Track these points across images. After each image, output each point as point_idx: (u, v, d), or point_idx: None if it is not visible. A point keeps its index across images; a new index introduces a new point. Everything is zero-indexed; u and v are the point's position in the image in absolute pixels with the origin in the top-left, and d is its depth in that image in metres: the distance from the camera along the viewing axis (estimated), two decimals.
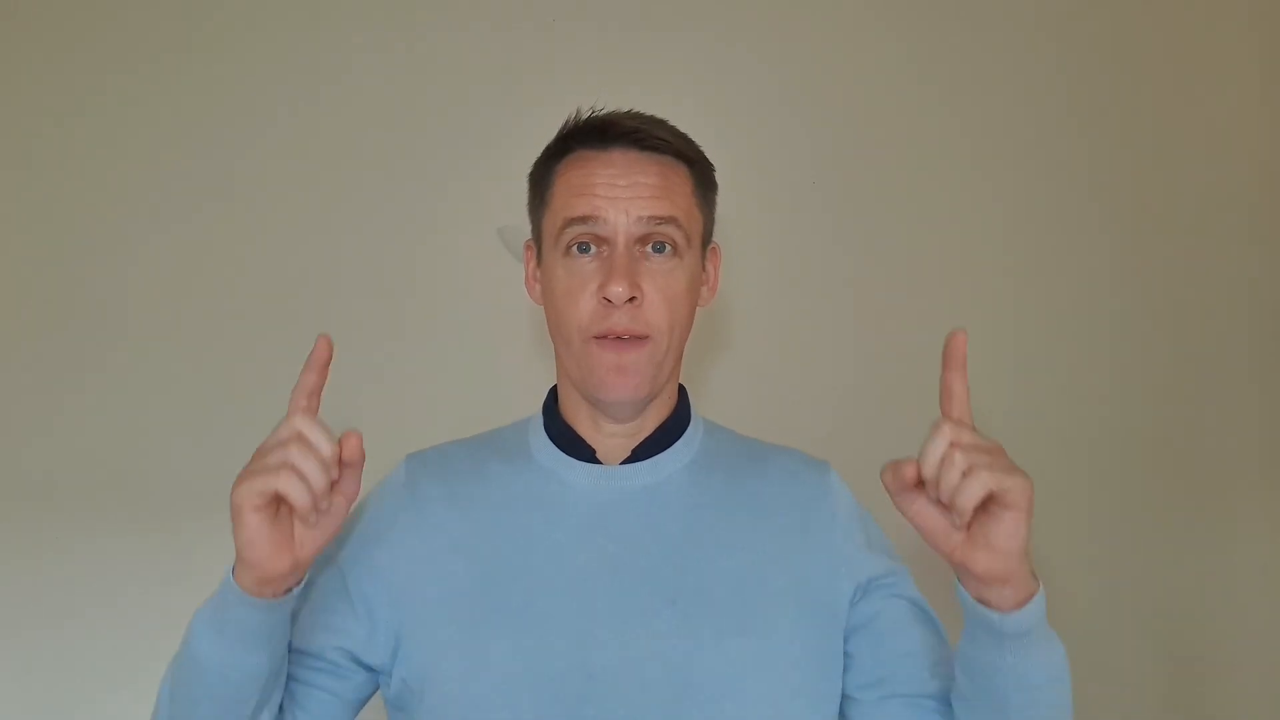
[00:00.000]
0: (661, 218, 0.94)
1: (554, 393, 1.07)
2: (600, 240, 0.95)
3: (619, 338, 0.94)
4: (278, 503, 0.80)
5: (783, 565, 0.95)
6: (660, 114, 1.03)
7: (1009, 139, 2.06)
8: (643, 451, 1.00)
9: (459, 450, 1.05)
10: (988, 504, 0.76)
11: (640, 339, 0.95)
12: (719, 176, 1.05)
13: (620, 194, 0.94)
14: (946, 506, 0.78)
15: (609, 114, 1.00)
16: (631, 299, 0.93)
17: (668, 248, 0.96)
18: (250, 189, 1.92)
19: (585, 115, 1.00)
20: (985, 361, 2.05)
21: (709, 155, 1.03)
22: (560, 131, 1.01)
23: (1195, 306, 2.08)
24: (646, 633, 0.90)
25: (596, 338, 0.95)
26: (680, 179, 0.98)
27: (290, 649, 0.93)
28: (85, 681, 1.79)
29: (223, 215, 1.92)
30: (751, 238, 1.93)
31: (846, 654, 0.98)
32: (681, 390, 1.06)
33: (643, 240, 0.95)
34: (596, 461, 0.99)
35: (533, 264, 1.05)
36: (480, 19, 1.98)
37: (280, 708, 0.94)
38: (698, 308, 1.02)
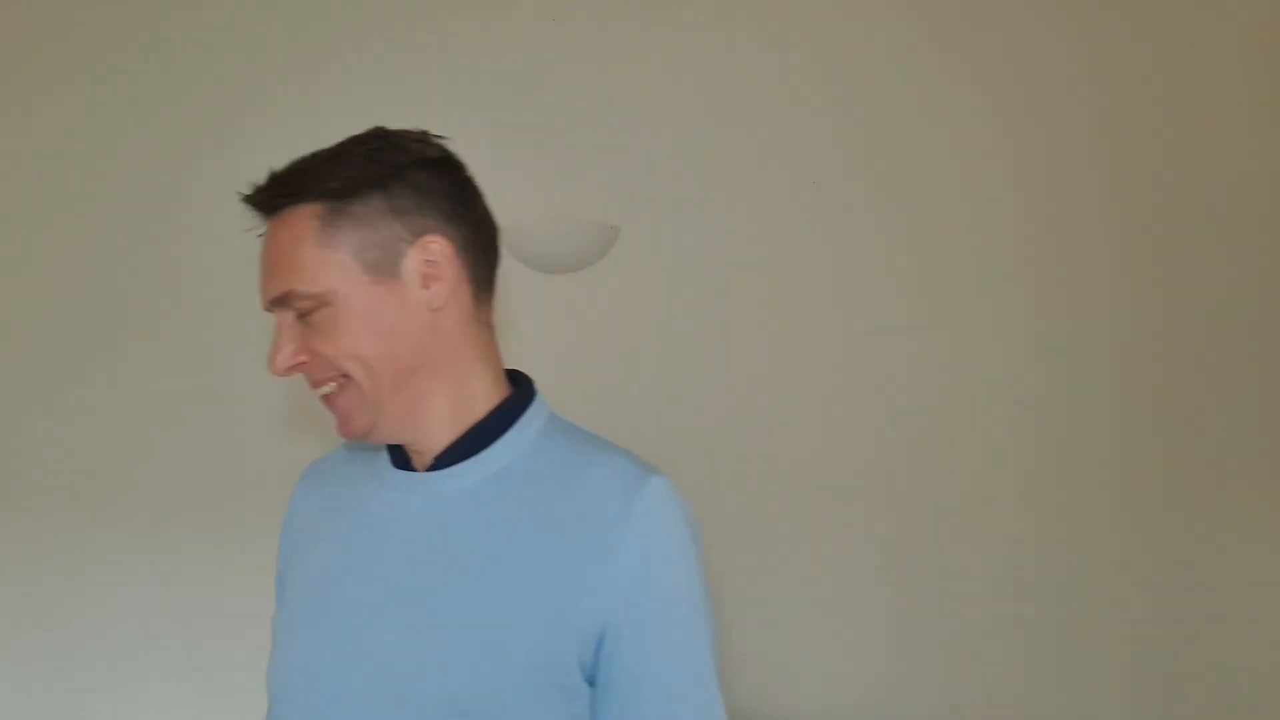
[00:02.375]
0: (276, 298, 0.90)
1: None
2: None
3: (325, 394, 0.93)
4: None
5: (549, 590, 0.88)
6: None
7: (1009, 138, 2.05)
8: (446, 459, 0.94)
9: (339, 455, 1.08)
10: None
11: (338, 389, 0.92)
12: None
13: (260, 275, 0.92)
14: None
15: (256, 184, 0.94)
16: (301, 362, 0.91)
17: (306, 309, 0.90)
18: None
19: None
20: (986, 361, 2.06)
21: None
22: None
23: (1194, 308, 2.07)
24: (388, 642, 0.90)
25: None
26: (298, 233, 0.90)
27: None
28: (84, 681, 1.77)
29: (222, 217, 1.92)
30: (750, 237, 1.93)
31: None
32: (517, 393, 0.98)
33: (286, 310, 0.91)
34: (412, 469, 0.97)
35: None
36: (480, 19, 1.98)
37: None
38: (433, 310, 0.92)
